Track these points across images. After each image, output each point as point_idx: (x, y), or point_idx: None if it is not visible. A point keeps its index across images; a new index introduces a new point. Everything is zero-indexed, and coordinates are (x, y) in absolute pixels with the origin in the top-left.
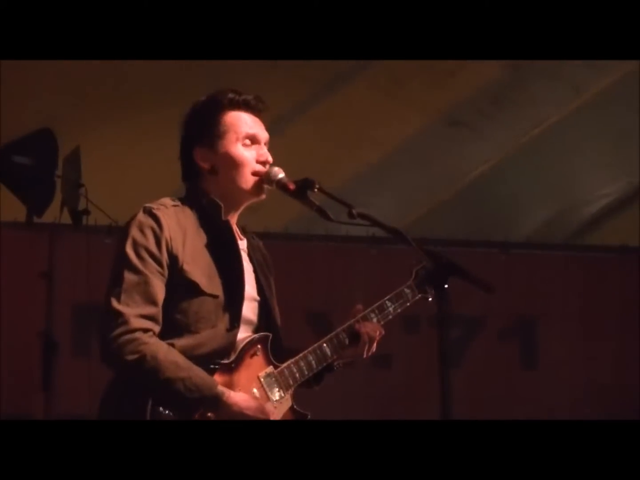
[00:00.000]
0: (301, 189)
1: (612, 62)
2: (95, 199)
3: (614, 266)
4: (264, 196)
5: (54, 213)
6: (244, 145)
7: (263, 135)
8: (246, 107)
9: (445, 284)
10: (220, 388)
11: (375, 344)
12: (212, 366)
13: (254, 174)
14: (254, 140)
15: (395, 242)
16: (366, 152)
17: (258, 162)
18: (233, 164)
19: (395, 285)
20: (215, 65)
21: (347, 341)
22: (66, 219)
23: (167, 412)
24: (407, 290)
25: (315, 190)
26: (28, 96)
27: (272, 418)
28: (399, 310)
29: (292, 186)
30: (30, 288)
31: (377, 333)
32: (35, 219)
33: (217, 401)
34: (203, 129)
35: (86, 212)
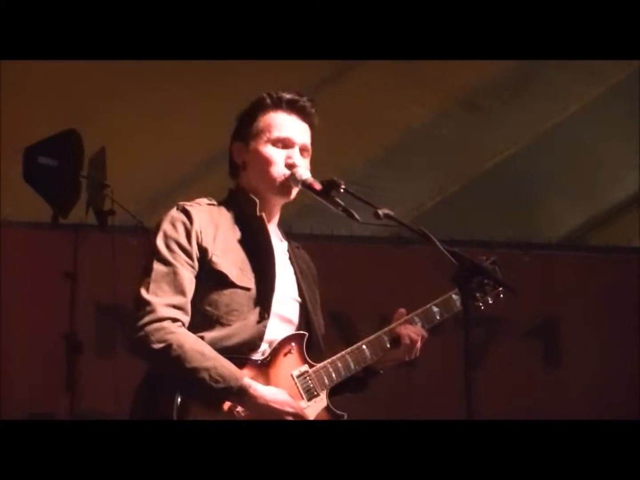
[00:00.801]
0: (327, 189)
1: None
2: (121, 200)
3: (634, 266)
4: (291, 197)
5: (80, 214)
6: (275, 146)
7: (299, 139)
8: (290, 108)
9: (470, 284)
10: (247, 380)
11: (417, 348)
12: (243, 357)
13: (280, 175)
14: (286, 143)
15: (420, 243)
16: (379, 136)
17: (286, 164)
18: (260, 162)
19: (421, 285)
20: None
21: (388, 344)
22: (91, 219)
23: (194, 405)
24: (455, 297)
25: (341, 190)
26: (54, 97)
27: (302, 412)
28: (445, 317)
29: (317, 186)
30: (55, 288)
31: (420, 337)
32: (61, 220)
33: (243, 393)
34: (244, 126)
35: (111, 212)
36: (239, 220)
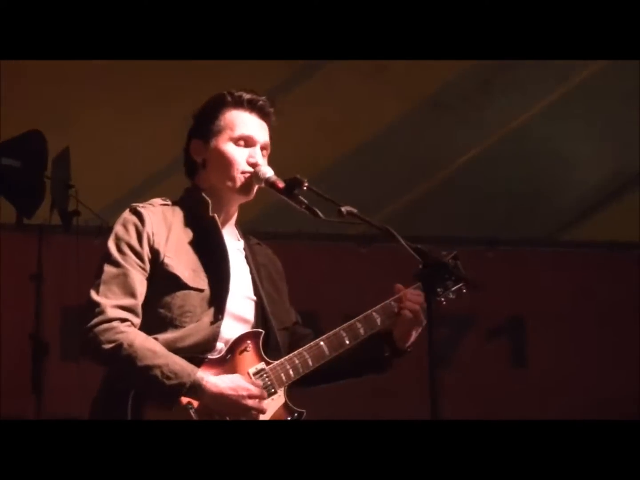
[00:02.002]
0: (290, 187)
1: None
2: (85, 200)
3: (604, 262)
4: (251, 196)
5: (44, 214)
6: (237, 145)
7: (260, 138)
8: (251, 107)
9: (434, 282)
10: (199, 374)
11: (423, 314)
12: (200, 357)
13: (241, 173)
14: (248, 141)
15: (385, 240)
16: (347, 136)
17: (248, 163)
18: (221, 160)
19: (386, 283)
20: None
21: (346, 340)
22: (56, 220)
23: (148, 405)
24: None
25: (304, 188)
26: (19, 96)
27: (259, 392)
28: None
29: (280, 185)
30: (20, 290)
31: (419, 301)
32: (25, 221)
33: (196, 387)
34: (202, 124)
35: (76, 213)
36: (192, 221)
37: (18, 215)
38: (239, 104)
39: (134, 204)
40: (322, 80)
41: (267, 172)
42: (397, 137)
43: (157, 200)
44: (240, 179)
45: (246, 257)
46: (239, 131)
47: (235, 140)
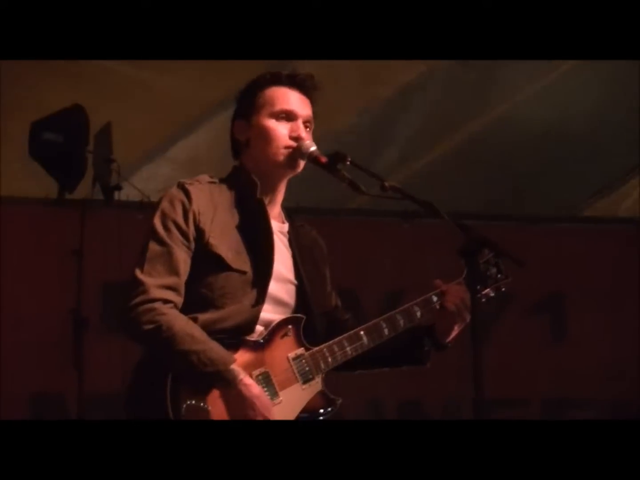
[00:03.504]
0: (333, 162)
1: None
2: (128, 174)
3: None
4: (299, 170)
5: (86, 189)
6: (279, 120)
7: (302, 112)
8: (290, 83)
9: (477, 257)
10: (236, 367)
11: (466, 311)
12: (239, 339)
13: (285, 147)
14: (289, 115)
15: (428, 216)
16: (373, 91)
17: (290, 137)
18: (264, 136)
19: (428, 259)
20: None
21: (386, 332)
22: (98, 195)
23: (184, 388)
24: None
25: (347, 163)
26: (58, 73)
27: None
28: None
29: (323, 159)
30: (61, 265)
31: (463, 296)
32: (67, 196)
33: (230, 378)
34: (244, 104)
35: (118, 187)
36: (239, 201)
37: (60, 190)
38: (277, 80)
39: (182, 180)
40: None
41: (310, 146)
42: (423, 93)
43: (205, 177)
44: (284, 153)
45: (289, 240)
46: (279, 106)
47: (277, 115)
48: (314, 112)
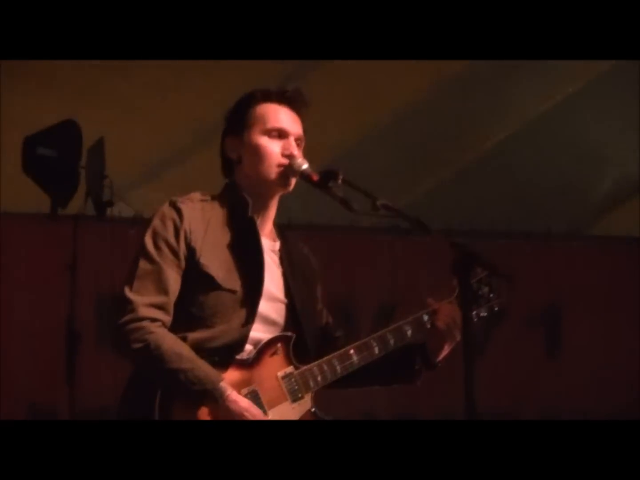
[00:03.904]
0: (325, 179)
1: None
2: (120, 190)
3: (636, 255)
4: (290, 188)
5: (78, 204)
6: (271, 137)
7: (294, 130)
8: (281, 100)
9: (469, 274)
10: (224, 384)
11: (457, 330)
12: (228, 358)
13: (278, 165)
14: (281, 133)
15: (419, 234)
16: (371, 115)
17: (283, 154)
18: (256, 154)
19: (420, 275)
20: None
21: (376, 350)
22: (90, 210)
23: (175, 405)
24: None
25: (339, 181)
26: (51, 87)
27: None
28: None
29: (315, 177)
30: (54, 279)
31: (455, 315)
32: (60, 211)
33: (218, 396)
34: (235, 121)
35: (110, 203)
36: (230, 219)
37: (52, 205)
38: (267, 97)
39: (173, 198)
40: (341, 63)
41: (302, 164)
42: (420, 116)
43: (197, 195)
44: (276, 171)
45: (281, 257)
46: (271, 124)
47: (269, 133)
48: (303, 128)
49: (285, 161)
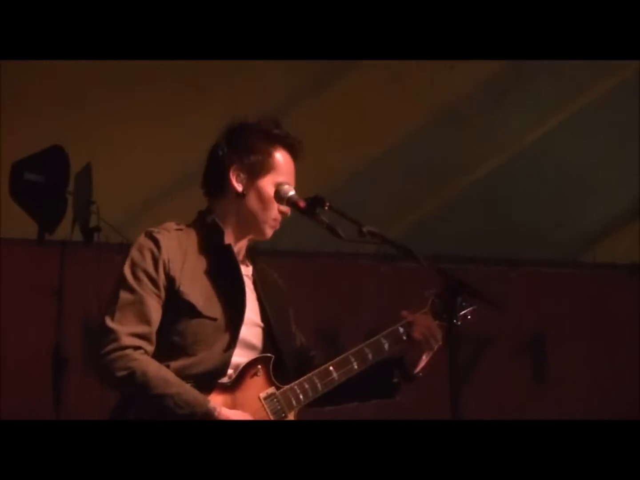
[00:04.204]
0: (311, 206)
1: (613, 62)
2: (107, 216)
3: (623, 283)
4: (267, 238)
5: (65, 230)
6: None
7: (293, 183)
8: (292, 150)
9: (456, 302)
10: (212, 405)
11: (435, 336)
12: (211, 382)
13: (275, 220)
14: None
15: (406, 259)
16: (363, 149)
17: (279, 210)
18: (263, 202)
19: (406, 301)
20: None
21: (355, 366)
22: (77, 236)
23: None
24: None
25: (326, 207)
26: (39, 113)
27: None
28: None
29: (302, 204)
30: (41, 305)
31: (435, 330)
32: (47, 236)
33: (209, 417)
34: (250, 153)
35: (97, 229)
36: (207, 248)
37: (40, 230)
38: (287, 146)
39: (150, 229)
40: (338, 93)
41: (289, 191)
42: (412, 150)
43: (172, 225)
44: (271, 224)
45: (254, 282)
46: (284, 177)
47: (278, 185)
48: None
49: (279, 217)
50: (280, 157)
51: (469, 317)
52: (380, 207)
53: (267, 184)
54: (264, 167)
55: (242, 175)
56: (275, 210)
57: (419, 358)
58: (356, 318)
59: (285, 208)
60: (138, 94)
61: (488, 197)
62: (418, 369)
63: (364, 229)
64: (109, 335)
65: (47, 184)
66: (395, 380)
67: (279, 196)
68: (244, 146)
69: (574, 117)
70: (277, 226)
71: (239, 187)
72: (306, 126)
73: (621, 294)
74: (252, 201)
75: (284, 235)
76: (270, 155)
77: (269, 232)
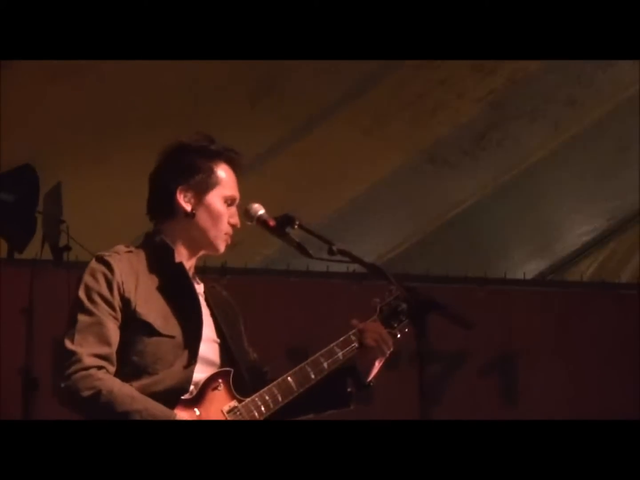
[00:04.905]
0: (281, 225)
1: (590, 102)
2: (77, 236)
3: (592, 302)
4: (221, 252)
5: (35, 249)
6: (225, 203)
7: (238, 197)
8: (234, 164)
9: (425, 320)
10: (179, 416)
11: (386, 341)
12: (173, 399)
13: (226, 233)
14: (232, 201)
15: (375, 278)
16: (346, 189)
17: (229, 223)
18: (213, 217)
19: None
20: (196, 104)
21: (312, 375)
22: (47, 255)
23: None
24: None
25: (295, 226)
26: (8, 131)
27: None
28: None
29: (272, 222)
30: (11, 324)
31: (385, 336)
32: (16, 255)
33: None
34: (192, 172)
35: (67, 248)
36: (158, 267)
37: (9, 249)
38: (227, 160)
39: (100, 253)
40: (321, 135)
41: (259, 210)
42: (392, 191)
43: (122, 248)
44: (224, 238)
45: (206, 299)
46: (231, 192)
47: (226, 199)
48: None
49: (230, 230)
50: (223, 171)
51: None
52: (364, 242)
53: (215, 200)
54: (210, 183)
55: (189, 194)
56: (226, 224)
57: (372, 365)
58: (327, 336)
59: (235, 220)
60: (111, 116)
61: (464, 231)
62: (371, 376)
63: (334, 248)
64: (71, 357)
65: (16, 203)
66: (349, 389)
67: (249, 215)
68: (187, 166)
69: (552, 157)
70: (229, 240)
71: (188, 207)
72: (292, 167)
73: (590, 313)
74: (202, 219)
75: (254, 254)
76: (213, 171)
77: (222, 247)
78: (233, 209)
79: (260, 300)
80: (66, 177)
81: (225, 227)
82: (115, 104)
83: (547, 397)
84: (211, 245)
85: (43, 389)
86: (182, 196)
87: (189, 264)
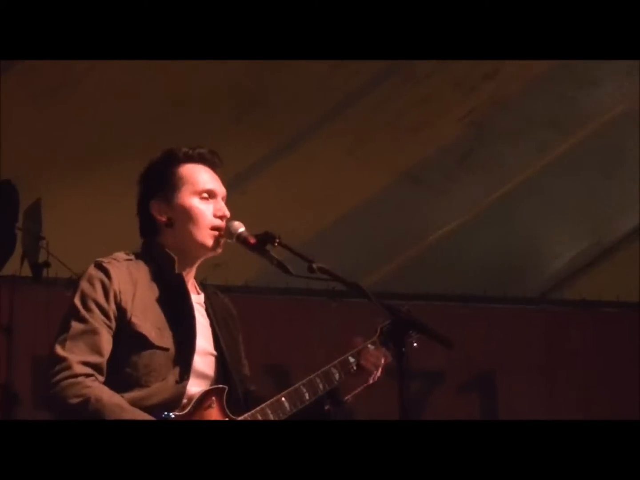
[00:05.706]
0: (261, 243)
1: (574, 123)
2: (56, 252)
3: (574, 320)
4: (220, 250)
5: (15, 266)
6: (201, 198)
7: (220, 190)
8: (202, 160)
9: (404, 338)
10: None
11: (380, 371)
12: (165, 415)
13: (212, 228)
14: (211, 194)
15: (356, 296)
16: (328, 210)
17: (215, 216)
18: (189, 217)
19: (354, 337)
20: (178, 121)
21: (306, 396)
22: (26, 271)
23: None
24: (371, 346)
25: (276, 244)
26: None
27: None
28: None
29: (252, 240)
30: None
31: (383, 360)
32: None
33: None
34: (159, 183)
35: (47, 264)
36: (157, 277)
37: None
38: (190, 158)
39: (99, 259)
40: (304, 155)
41: (239, 227)
42: (375, 211)
43: (121, 255)
44: (211, 234)
45: (206, 309)
46: (201, 185)
47: (199, 194)
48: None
49: (218, 223)
50: (186, 170)
51: (414, 344)
52: (345, 262)
53: (185, 200)
54: (175, 187)
55: (161, 205)
56: (209, 219)
57: (359, 385)
58: (307, 354)
59: (222, 212)
60: (92, 133)
61: (446, 253)
62: (350, 395)
63: (314, 265)
64: (60, 363)
65: None
66: (326, 407)
67: (229, 232)
68: (152, 179)
69: (536, 177)
70: (218, 233)
71: (163, 218)
72: (273, 188)
73: (570, 330)
74: (180, 223)
75: (234, 271)
76: (174, 173)
77: (210, 242)
78: (217, 202)
79: (240, 318)
80: (46, 193)
81: (210, 222)
82: (95, 120)
83: (527, 414)
84: (200, 246)
85: (24, 404)
86: (155, 209)
87: (188, 274)
